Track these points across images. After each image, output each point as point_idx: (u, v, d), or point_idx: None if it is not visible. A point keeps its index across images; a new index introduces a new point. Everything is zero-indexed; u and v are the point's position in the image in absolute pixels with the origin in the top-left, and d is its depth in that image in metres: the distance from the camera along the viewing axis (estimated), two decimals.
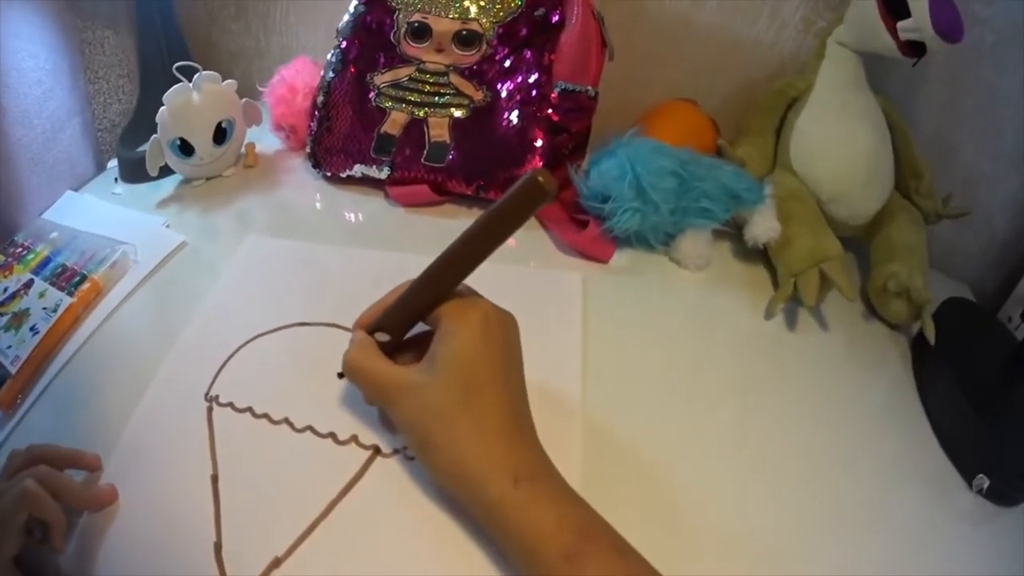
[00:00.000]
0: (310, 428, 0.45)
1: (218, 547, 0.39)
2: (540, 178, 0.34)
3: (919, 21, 0.56)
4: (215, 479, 0.42)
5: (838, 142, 0.63)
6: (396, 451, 0.44)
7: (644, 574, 0.33)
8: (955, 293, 0.60)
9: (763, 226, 0.59)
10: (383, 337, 0.42)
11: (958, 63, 0.65)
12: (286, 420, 0.46)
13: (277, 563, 0.38)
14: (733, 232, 0.64)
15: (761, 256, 0.63)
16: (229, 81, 0.67)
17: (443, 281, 0.40)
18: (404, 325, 0.42)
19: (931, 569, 0.42)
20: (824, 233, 0.59)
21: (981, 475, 0.46)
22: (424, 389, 0.37)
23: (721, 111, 0.72)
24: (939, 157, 0.68)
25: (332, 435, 0.45)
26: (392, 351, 0.42)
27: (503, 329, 0.39)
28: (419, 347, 0.41)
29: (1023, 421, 0.48)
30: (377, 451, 0.44)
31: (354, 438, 0.44)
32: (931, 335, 0.53)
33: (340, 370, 0.48)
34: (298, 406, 0.46)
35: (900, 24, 0.57)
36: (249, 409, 0.46)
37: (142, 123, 0.75)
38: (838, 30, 0.65)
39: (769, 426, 0.49)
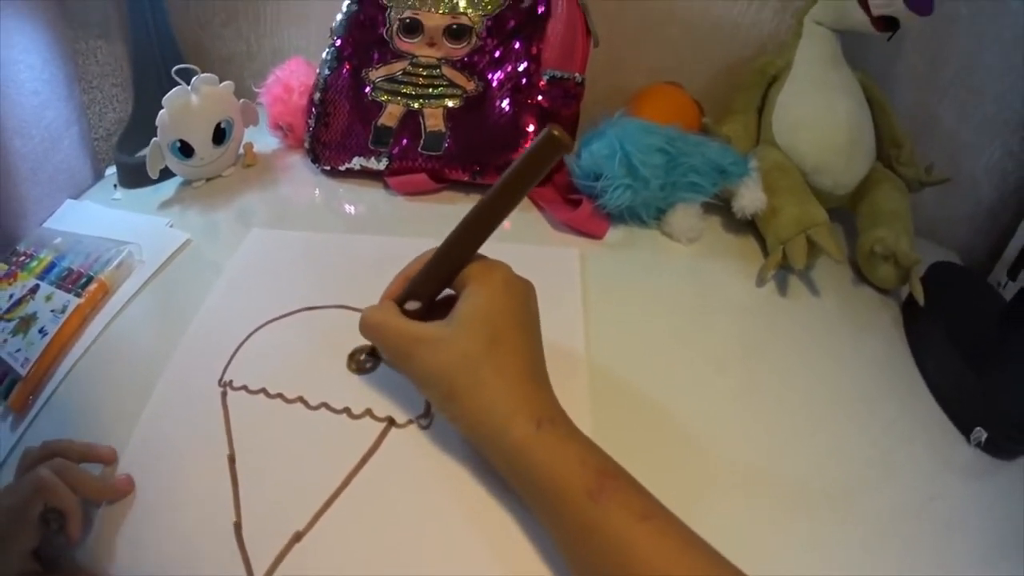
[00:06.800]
0: (324, 405, 0.46)
1: (238, 526, 0.39)
2: (556, 132, 0.36)
3: None
4: (232, 460, 0.43)
5: (819, 114, 0.65)
6: (410, 421, 0.45)
7: (660, 511, 0.34)
8: (944, 260, 0.61)
9: (750, 197, 0.61)
10: (414, 305, 0.43)
11: (935, 35, 0.67)
12: (300, 399, 0.47)
13: (298, 537, 0.39)
14: (721, 205, 0.65)
15: (750, 227, 0.65)
16: (227, 82, 0.69)
17: (468, 242, 0.41)
18: (431, 291, 0.43)
19: (934, 523, 0.42)
20: (809, 201, 0.61)
21: (979, 428, 0.47)
22: (447, 342, 0.39)
23: (705, 93, 0.74)
24: (921, 128, 0.69)
25: (347, 410, 0.46)
26: (422, 319, 0.43)
27: (523, 289, 0.42)
28: (445, 314, 0.42)
29: (1016, 374, 0.50)
30: (392, 422, 0.45)
31: (368, 411, 0.46)
32: (919, 295, 0.54)
33: (351, 348, 0.49)
34: (311, 385, 0.47)
35: (872, 0, 0.59)
36: (263, 390, 0.47)
37: (138, 129, 0.76)
38: (814, 9, 0.67)
39: (766, 389, 0.50)
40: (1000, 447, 0.47)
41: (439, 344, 0.39)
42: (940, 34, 0.67)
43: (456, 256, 0.42)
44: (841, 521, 0.42)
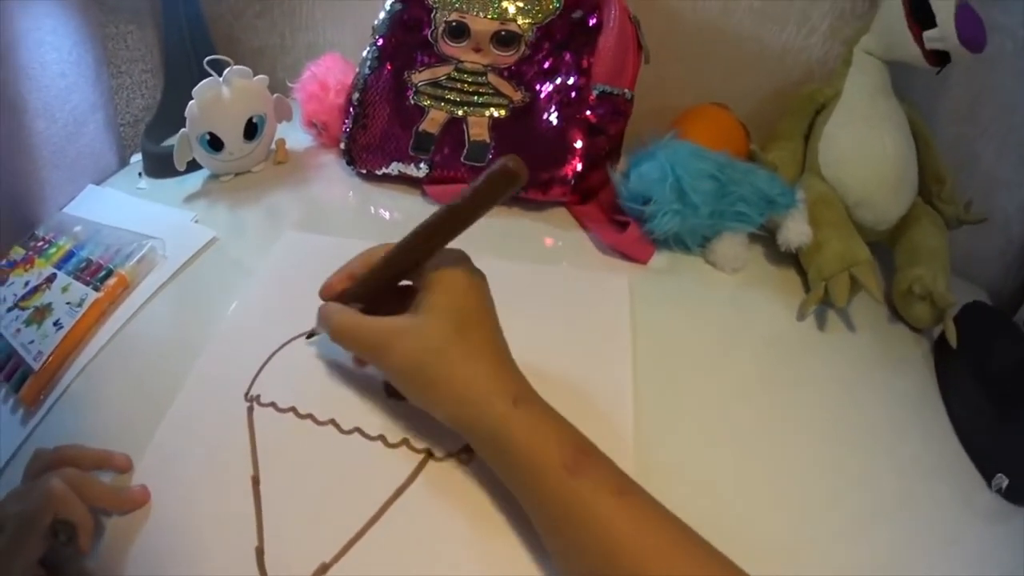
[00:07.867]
0: (358, 430, 0.44)
1: (260, 551, 0.38)
2: (512, 164, 0.37)
3: (945, 31, 0.57)
4: (256, 481, 0.41)
5: (866, 147, 0.63)
6: (450, 455, 0.43)
7: (634, 488, 0.35)
8: (973, 297, 0.60)
9: (795, 231, 0.60)
10: (357, 307, 0.44)
11: (979, 70, 0.66)
12: (332, 421, 0.44)
13: (325, 569, 0.37)
14: (765, 236, 0.64)
15: (792, 259, 0.63)
16: (260, 76, 0.67)
17: (414, 256, 0.42)
18: (374, 294, 0.45)
19: (951, 567, 0.42)
20: (853, 237, 0.60)
21: (1000, 475, 0.46)
22: (417, 330, 0.40)
23: (752, 116, 0.73)
24: (960, 163, 0.69)
25: (382, 438, 0.43)
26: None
27: (482, 279, 0.43)
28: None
29: None
30: (430, 455, 0.43)
31: (405, 441, 0.43)
32: (952, 338, 0.54)
33: (313, 331, 0.49)
34: (345, 407, 0.45)
35: (926, 33, 0.59)
36: (292, 409, 0.45)
37: (166, 117, 0.74)
38: (865, 38, 0.66)
39: (796, 420, 0.50)
40: (1021, 495, 0.46)
41: (409, 332, 0.40)
42: (983, 69, 0.66)
43: (401, 266, 0.43)
44: (857, 552, 0.42)
